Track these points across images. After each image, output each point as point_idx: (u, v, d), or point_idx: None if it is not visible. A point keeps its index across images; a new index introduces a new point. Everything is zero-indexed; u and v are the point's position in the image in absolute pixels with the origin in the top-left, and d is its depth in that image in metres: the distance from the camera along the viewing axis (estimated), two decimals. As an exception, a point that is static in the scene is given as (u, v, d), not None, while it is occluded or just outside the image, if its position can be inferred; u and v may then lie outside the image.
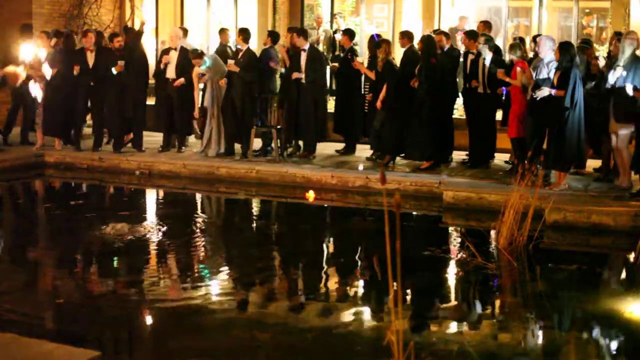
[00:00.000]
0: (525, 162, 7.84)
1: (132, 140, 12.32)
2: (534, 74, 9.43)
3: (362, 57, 12.81)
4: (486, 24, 11.80)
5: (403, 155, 11.04)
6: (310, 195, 10.16)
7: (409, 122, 10.71)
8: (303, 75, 11.30)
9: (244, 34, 11.69)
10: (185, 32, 12.79)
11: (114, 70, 11.68)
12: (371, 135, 11.34)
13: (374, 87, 11.15)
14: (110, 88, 11.86)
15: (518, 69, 9.94)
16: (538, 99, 9.23)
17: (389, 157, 10.93)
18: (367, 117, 11.50)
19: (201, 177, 11.18)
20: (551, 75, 9.23)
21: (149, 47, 14.97)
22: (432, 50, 10.61)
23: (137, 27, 13.77)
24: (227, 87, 11.56)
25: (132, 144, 12.29)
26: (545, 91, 9.16)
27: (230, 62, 11.52)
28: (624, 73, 8.88)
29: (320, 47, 14.23)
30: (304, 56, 11.37)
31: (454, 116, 11.42)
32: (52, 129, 12.20)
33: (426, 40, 10.83)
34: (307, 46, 11.46)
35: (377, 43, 11.09)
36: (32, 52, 11.91)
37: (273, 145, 11.59)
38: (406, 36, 11.09)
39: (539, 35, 11.44)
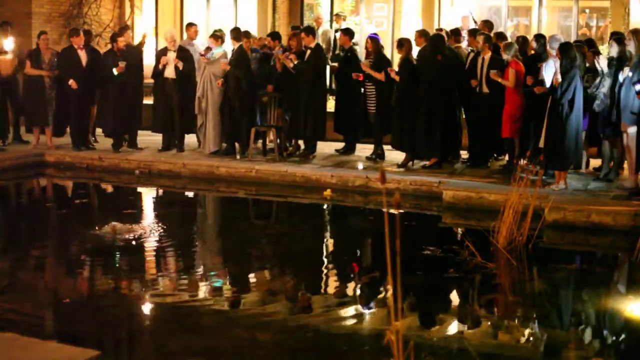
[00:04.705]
0: (523, 161, 7.85)
1: (127, 140, 12.38)
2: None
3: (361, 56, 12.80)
4: (486, 23, 11.80)
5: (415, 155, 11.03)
6: (328, 193, 10.12)
7: (416, 120, 10.71)
8: (293, 63, 11.28)
9: (235, 33, 11.73)
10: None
11: (115, 71, 11.70)
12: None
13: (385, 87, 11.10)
14: (110, 88, 11.95)
15: (511, 69, 9.98)
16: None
17: (407, 156, 10.89)
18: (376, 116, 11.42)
19: (201, 177, 11.18)
20: (548, 75, 9.29)
21: (149, 47, 14.96)
22: (439, 48, 10.62)
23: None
24: (224, 87, 11.57)
25: (127, 143, 12.32)
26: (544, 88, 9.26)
27: (224, 61, 11.51)
28: (630, 74, 8.90)
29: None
30: (308, 53, 11.38)
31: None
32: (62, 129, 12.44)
33: (433, 37, 10.84)
34: (313, 44, 11.48)
35: (399, 43, 11.00)
36: (13, 43, 12.10)
37: (273, 144, 11.60)
38: (423, 35, 11.06)
39: (540, 34, 11.41)
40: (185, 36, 13.07)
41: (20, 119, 12.73)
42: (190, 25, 12.85)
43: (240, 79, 11.44)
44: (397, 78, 10.69)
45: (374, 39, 11.49)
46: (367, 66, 11.17)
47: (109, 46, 13.37)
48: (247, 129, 11.60)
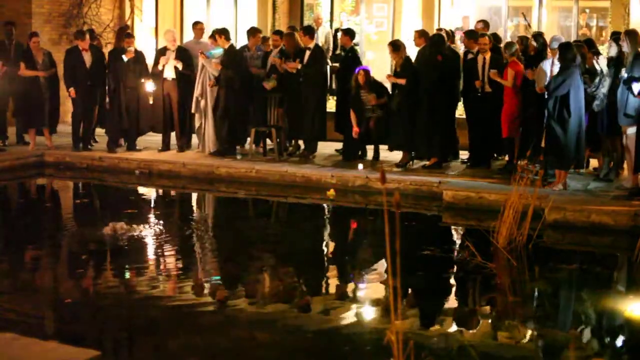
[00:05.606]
0: (523, 161, 7.85)
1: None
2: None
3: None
4: (485, 24, 11.78)
5: (414, 154, 11.02)
6: (332, 193, 10.09)
7: (416, 120, 10.70)
8: (299, 66, 11.26)
9: (225, 33, 11.69)
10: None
11: (124, 57, 11.72)
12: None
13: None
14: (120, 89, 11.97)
15: (510, 69, 9.99)
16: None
17: (406, 156, 10.88)
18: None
19: (201, 177, 11.17)
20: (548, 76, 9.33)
21: (149, 47, 14.97)
22: (439, 48, 10.61)
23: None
24: (217, 88, 11.56)
25: (127, 145, 12.31)
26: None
27: (215, 61, 11.50)
28: (625, 75, 8.89)
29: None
30: (307, 55, 11.37)
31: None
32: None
33: (434, 37, 10.84)
34: (312, 45, 11.46)
35: (396, 46, 10.91)
36: None
37: (273, 144, 11.61)
38: (423, 35, 11.02)
39: (539, 33, 11.41)
40: (185, 36, 13.07)
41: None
42: (196, 23, 12.85)
43: (232, 78, 11.42)
44: (402, 81, 10.61)
45: (367, 72, 11.07)
46: (375, 99, 10.91)
47: (109, 46, 13.41)
48: (243, 129, 11.59)
